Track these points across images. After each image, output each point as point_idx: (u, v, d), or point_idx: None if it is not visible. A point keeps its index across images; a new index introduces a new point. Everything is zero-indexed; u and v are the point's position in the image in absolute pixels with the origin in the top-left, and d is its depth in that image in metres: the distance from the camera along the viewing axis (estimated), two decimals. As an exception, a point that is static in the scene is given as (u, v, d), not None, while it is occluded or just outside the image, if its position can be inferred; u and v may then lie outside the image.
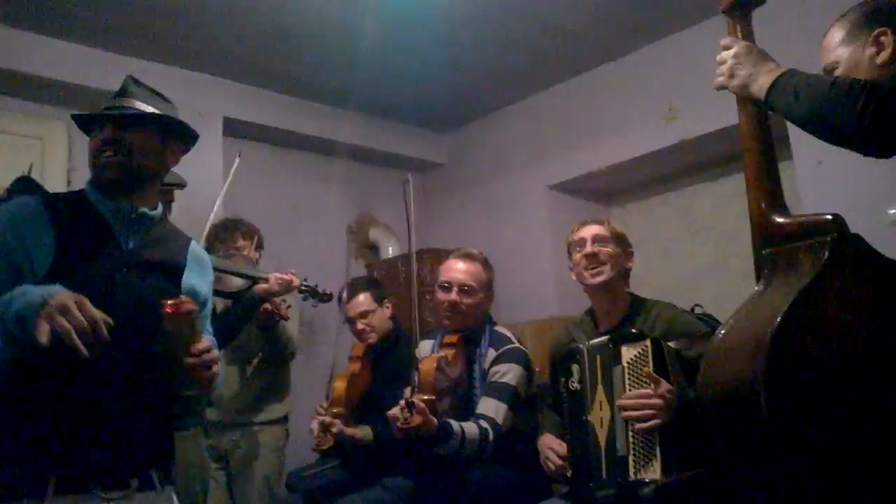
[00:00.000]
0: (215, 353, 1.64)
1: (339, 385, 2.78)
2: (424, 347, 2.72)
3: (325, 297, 2.92)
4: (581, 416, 2.12)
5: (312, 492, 2.84)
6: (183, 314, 1.56)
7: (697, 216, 4.35)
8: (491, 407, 2.40)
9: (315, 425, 2.66)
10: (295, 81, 4.29)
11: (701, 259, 4.27)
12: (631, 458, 1.95)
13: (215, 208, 2.90)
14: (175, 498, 1.72)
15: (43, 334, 1.34)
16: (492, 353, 2.56)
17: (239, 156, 2.90)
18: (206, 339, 1.63)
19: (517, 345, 2.59)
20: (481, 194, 5.00)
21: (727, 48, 1.61)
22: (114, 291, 1.61)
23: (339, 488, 2.75)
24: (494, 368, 2.50)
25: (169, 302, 1.56)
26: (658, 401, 1.90)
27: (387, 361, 2.89)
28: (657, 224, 4.57)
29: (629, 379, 2.01)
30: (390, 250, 4.92)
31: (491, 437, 2.32)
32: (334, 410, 2.68)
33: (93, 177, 1.72)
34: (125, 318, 1.57)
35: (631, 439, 1.95)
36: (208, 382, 1.61)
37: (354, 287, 3.03)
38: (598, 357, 2.11)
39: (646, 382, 1.96)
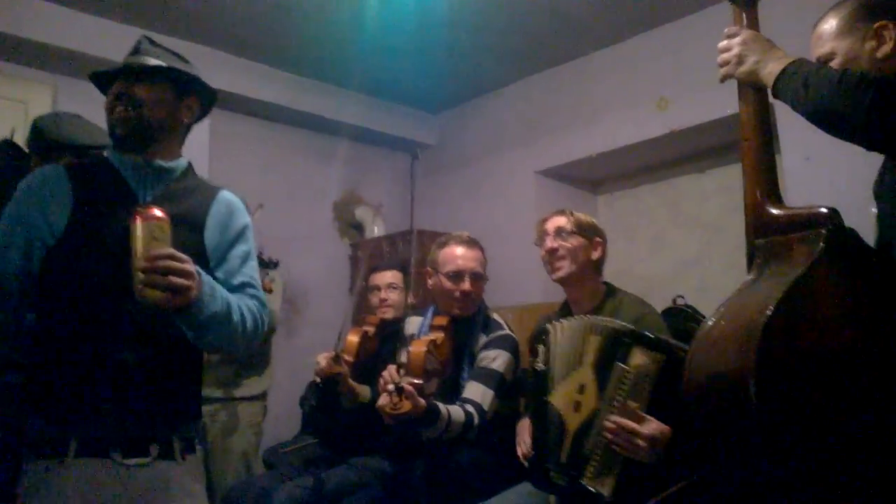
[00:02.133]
0: (185, 266, 1.48)
1: (353, 339, 2.80)
2: (413, 323, 2.74)
3: (270, 264, 2.91)
4: (542, 397, 2.08)
5: (289, 468, 2.84)
6: (141, 219, 1.49)
7: (684, 207, 4.36)
8: (478, 392, 2.40)
9: (324, 356, 2.60)
10: (284, 55, 4.24)
11: (686, 250, 4.28)
12: (592, 462, 1.91)
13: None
14: (202, 470, 1.71)
15: None
16: (483, 338, 2.56)
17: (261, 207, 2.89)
18: (173, 251, 1.49)
19: (508, 331, 2.60)
20: (469, 176, 4.98)
21: (732, 36, 1.57)
22: (123, 243, 1.56)
23: (317, 465, 2.76)
24: (484, 353, 2.50)
25: (138, 208, 1.53)
26: (643, 443, 1.81)
27: (392, 342, 2.90)
28: (644, 213, 4.58)
29: (626, 386, 1.89)
30: (375, 230, 4.90)
31: (475, 422, 2.32)
32: (345, 357, 2.67)
33: (109, 134, 1.73)
34: None
35: (601, 446, 1.90)
36: (168, 292, 1.45)
37: (390, 264, 3.21)
38: (601, 340, 1.99)
39: (639, 400, 1.86)
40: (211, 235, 1.74)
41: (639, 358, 1.90)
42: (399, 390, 2.09)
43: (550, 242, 2.34)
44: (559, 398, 2.04)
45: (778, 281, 1.36)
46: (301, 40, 4.04)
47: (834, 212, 1.41)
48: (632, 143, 4.08)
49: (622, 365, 1.91)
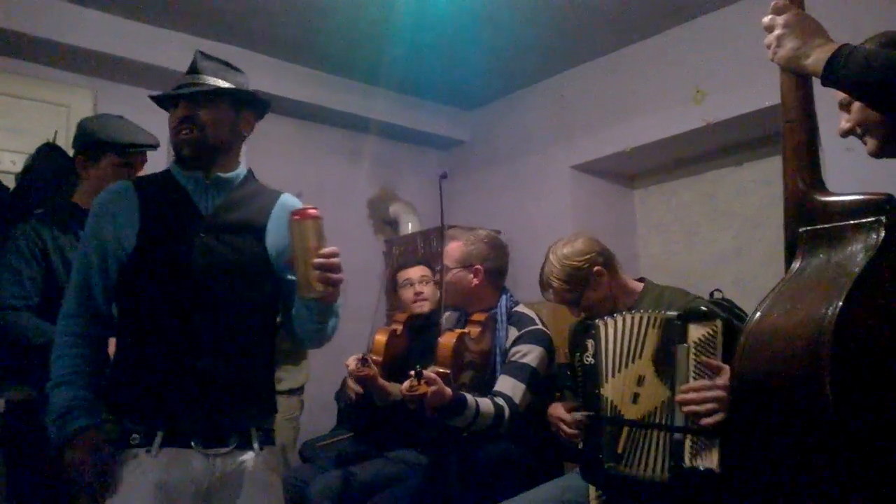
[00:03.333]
0: (339, 260, 1.68)
1: (380, 338, 2.81)
2: (451, 318, 2.76)
3: None
4: (594, 390, 2.08)
5: (326, 462, 2.87)
6: (308, 218, 1.65)
7: (720, 201, 4.31)
8: (508, 385, 2.40)
9: (353, 359, 2.61)
10: (319, 55, 4.28)
11: (722, 244, 4.24)
12: (688, 443, 1.85)
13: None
14: (276, 461, 1.81)
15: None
16: (513, 333, 2.55)
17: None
18: (336, 248, 1.68)
19: (540, 326, 2.58)
20: (504, 173, 4.98)
21: (778, 12, 1.49)
22: (190, 256, 1.70)
23: (352, 459, 2.78)
24: (515, 348, 2.50)
25: (295, 209, 1.68)
26: (722, 393, 1.77)
27: (424, 337, 2.92)
28: (680, 208, 4.54)
29: (694, 361, 1.89)
30: (409, 226, 4.93)
31: (506, 414, 2.32)
32: (373, 357, 2.69)
33: (173, 153, 1.82)
34: (206, 280, 1.70)
35: (691, 423, 1.85)
36: (333, 286, 1.66)
37: (416, 260, 3.23)
38: (658, 332, 1.99)
39: (709, 372, 1.84)
40: (273, 240, 1.82)
41: (696, 332, 1.89)
42: (419, 375, 2.11)
43: (571, 312, 2.39)
44: (612, 390, 2.03)
45: (837, 271, 1.29)
46: (334, 40, 4.07)
47: (891, 198, 1.34)
48: (667, 136, 4.04)
49: (683, 345, 1.91)
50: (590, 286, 2.31)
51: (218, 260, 1.73)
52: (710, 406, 1.78)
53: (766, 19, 1.50)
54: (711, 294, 3.16)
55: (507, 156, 4.97)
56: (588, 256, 2.31)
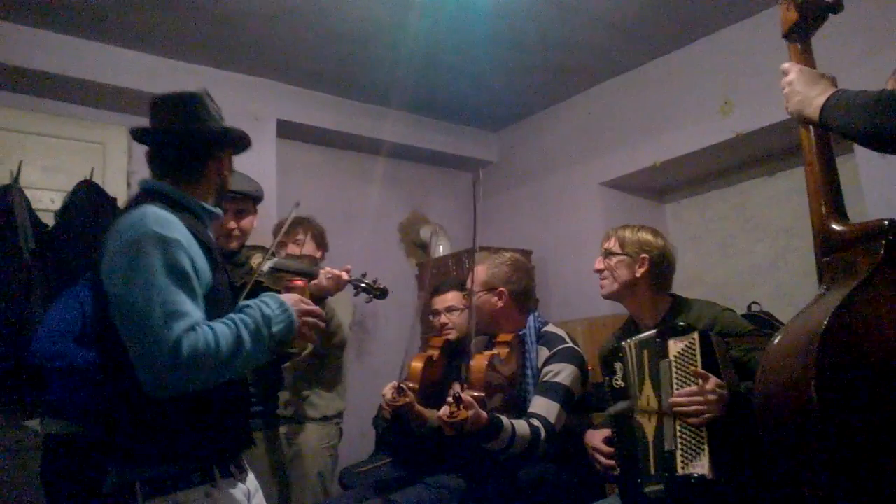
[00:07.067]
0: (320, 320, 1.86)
1: (416, 364, 2.80)
2: (480, 342, 2.74)
3: (379, 293, 2.91)
4: (626, 414, 2.10)
5: (365, 488, 2.86)
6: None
7: (754, 212, 4.25)
8: (543, 406, 2.38)
9: (389, 388, 2.60)
10: (346, 83, 4.34)
11: (758, 256, 4.18)
12: (679, 452, 1.93)
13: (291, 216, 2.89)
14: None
15: (313, 341, 1.85)
16: (544, 352, 2.53)
17: (297, 205, 2.82)
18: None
19: (571, 344, 2.56)
20: (533, 192, 4.98)
21: (786, 73, 1.68)
22: (237, 300, 1.81)
23: (391, 485, 2.77)
24: (547, 368, 2.48)
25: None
26: (711, 397, 1.89)
27: (459, 362, 2.91)
28: (713, 220, 4.49)
29: (676, 373, 1.99)
30: (441, 248, 4.94)
31: (543, 436, 2.29)
32: (409, 384, 2.68)
33: (220, 197, 1.92)
34: None
35: (679, 434, 1.94)
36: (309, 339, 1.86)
37: (448, 283, 3.14)
38: (645, 352, 2.09)
39: (692, 380, 1.94)
40: None
41: (675, 347, 2.02)
42: (457, 400, 2.10)
43: (598, 263, 2.42)
44: (639, 413, 2.08)
45: (841, 291, 1.42)
46: (361, 67, 4.13)
47: (892, 221, 1.46)
48: (697, 149, 4.02)
49: (665, 360, 2.03)
50: (629, 260, 2.38)
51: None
52: (697, 408, 1.90)
53: (781, 82, 1.70)
54: (749, 307, 3.11)
55: (536, 175, 4.97)
56: (648, 248, 2.40)
